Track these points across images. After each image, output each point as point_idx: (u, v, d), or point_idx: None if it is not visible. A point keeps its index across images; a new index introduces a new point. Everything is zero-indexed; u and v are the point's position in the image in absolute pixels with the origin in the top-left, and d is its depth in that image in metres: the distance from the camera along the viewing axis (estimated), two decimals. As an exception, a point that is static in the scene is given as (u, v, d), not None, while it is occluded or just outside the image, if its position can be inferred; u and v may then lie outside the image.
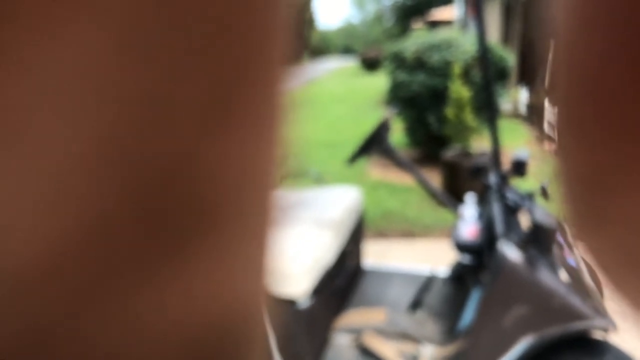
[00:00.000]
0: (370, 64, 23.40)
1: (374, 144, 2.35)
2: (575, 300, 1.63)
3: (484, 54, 2.13)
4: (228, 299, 0.13)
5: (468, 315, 1.99)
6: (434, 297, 2.42)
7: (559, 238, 1.80)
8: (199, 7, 0.10)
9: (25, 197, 0.09)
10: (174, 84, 0.10)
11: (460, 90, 4.75)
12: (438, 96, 5.36)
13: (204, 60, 0.10)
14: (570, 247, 1.81)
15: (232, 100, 0.11)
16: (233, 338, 0.14)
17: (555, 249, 1.77)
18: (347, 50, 57.29)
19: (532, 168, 2.08)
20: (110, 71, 0.09)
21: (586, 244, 0.16)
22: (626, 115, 0.12)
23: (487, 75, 2.15)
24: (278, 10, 0.12)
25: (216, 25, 0.10)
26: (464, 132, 4.82)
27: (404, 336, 2.17)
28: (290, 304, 1.93)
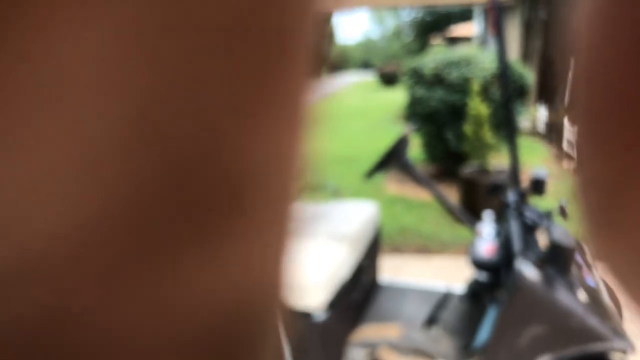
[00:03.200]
0: (389, 79, 23.41)
1: (393, 159, 2.36)
2: (594, 321, 1.61)
3: (504, 71, 2.13)
4: (249, 283, 0.13)
5: (484, 333, 1.97)
6: (449, 314, 2.40)
7: (578, 258, 1.78)
8: None
9: (57, 177, 0.09)
10: (208, 68, 0.10)
11: (478, 107, 4.73)
12: (456, 113, 5.35)
13: (237, 44, 0.10)
14: (589, 267, 1.79)
15: (264, 87, 0.11)
16: (252, 323, 0.14)
17: (573, 269, 1.75)
18: (365, 64, 57.31)
19: (551, 187, 2.07)
20: (144, 52, 0.09)
21: (602, 252, 0.16)
22: None
23: (507, 93, 2.15)
24: (312, 14, 0.12)
25: (253, 8, 0.10)
26: (482, 149, 4.80)
27: (419, 352, 2.15)
28: (305, 316, 1.92)
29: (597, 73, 0.14)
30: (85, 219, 0.10)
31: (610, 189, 0.14)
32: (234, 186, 0.11)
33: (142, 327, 0.11)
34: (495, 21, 2.13)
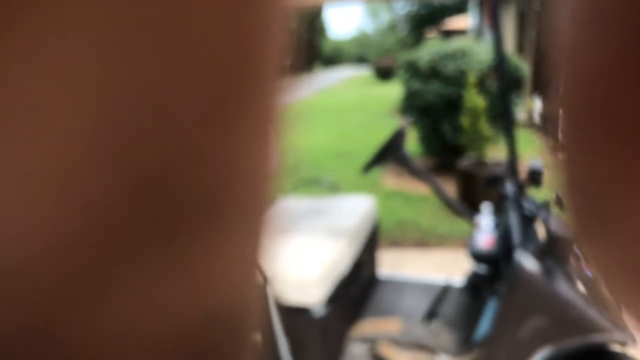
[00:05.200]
0: (384, 73, 23.40)
1: (390, 152, 2.36)
2: (593, 312, 1.61)
3: (501, 63, 2.13)
4: (221, 292, 0.13)
5: (484, 325, 1.97)
6: (449, 307, 2.41)
7: (576, 249, 1.78)
8: (200, 3, 0.10)
9: (25, 185, 0.09)
10: (175, 77, 0.10)
11: (475, 99, 4.74)
12: (453, 105, 5.35)
13: (204, 54, 0.10)
14: (587, 258, 1.79)
15: (231, 94, 0.11)
16: (224, 331, 0.14)
17: (572, 260, 1.75)
18: (360, 59, 57.34)
19: (547, 178, 2.07)
20: (112, 63, 0.09)
21: (589, 253, 0.16)
22: (631, 124, 0.12)
23: (504, 85, 2.15)
24: (278, 14, 0.12)
25: (217, 19, 0.10)
26: (478, 141, 4.81)
27: (419, 346, 2.16)
28: (305, 312, 1.93)
29: (581, 69, 0.13)
30: (56, 231, 0.10)
31: (594, 190, 0.14)
32: (205, 194, 0.11)
33: (116, 335, 0.11)
34: (491, 13, 2.13)
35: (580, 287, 1.68)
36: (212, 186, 0.11)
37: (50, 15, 0.08)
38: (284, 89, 0.13)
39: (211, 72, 0.10)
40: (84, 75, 0.09)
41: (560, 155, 0.16)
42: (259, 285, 0.15)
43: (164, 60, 0.10)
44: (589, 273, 1.75)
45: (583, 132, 0.14)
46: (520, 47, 9.70)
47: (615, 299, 0.16)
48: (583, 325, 1.61)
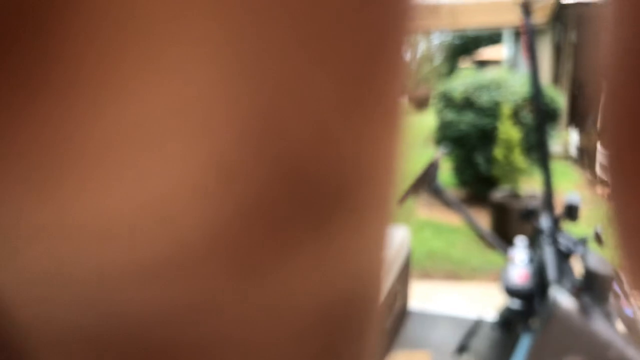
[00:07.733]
0: (419, 103, 23.43)
1: (423, 183, 2.35)
2: (632, 352, 1.56)
3: (537, 95, 2.11)
4: (353, 275, 0.14)
5: (517, 362, 1.93)
6: (480, 342, 2.36)
7: (616, 287, 1.74)
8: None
9: (191, 185, 0.10)
10: (313, 73, 0.10)
11: (509, 131, 4.70)
12: (486, 136, 5.31)
13: (340, 49, 0.10)
14: (627, 296, 1.75)
15: (367, 89, 0.11)
16: (353, 312, 0.15)
17: (611, 298, 1.71)
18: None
19: (584, 212, 2.03)
20: (255, 65, 0.10)
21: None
22: None
23: (540, 116, 2.13)
24: (409, 6, 0.12)
25: (351, 10, 0.10)
26: (512, 173, 4.75)
27: (450, 381, 2.11)
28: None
29: (625, 108, 0.13)
30: (218, 223, 0.10)
31: None
32: (343, 185, 0.12)
33: (266, 315, 0.12)
34: (528, 44, 2.13)
35: (620, 326, 1.64)
36: (350, 176, 0.12)
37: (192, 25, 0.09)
38: (409, 85, 0.13)
39: (347, 63, 0.11)
40: (233, 78, 0.09)
41: (607, 195, 0.16)
42: (385, 275, 0.16)
43: (304, 54, 0.10)
44: (628, 312, 1.70)
45: (631, 171, 0.14)
46: (556, 79, 9.63)
47: None
48: (622, 366, 1.56)
